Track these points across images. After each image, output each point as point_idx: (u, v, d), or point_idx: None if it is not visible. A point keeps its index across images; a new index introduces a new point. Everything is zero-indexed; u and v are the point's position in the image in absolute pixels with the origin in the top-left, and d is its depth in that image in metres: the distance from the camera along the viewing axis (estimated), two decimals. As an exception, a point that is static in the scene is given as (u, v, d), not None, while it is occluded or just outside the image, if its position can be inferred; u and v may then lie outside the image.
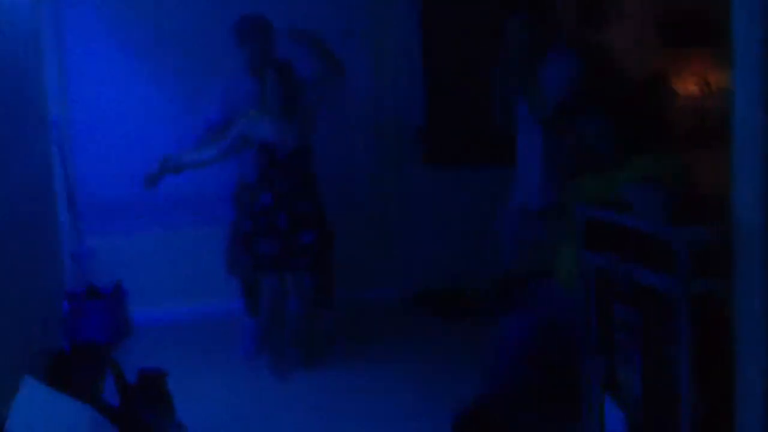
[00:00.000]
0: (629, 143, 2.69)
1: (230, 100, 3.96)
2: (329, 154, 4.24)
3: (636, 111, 2.75)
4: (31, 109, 3.69)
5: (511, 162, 3.53)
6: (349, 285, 4.46)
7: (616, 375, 2.36)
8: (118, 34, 4.44)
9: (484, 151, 4.65)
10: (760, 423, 1.82)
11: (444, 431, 2.89)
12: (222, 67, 4.20)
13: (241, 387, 3.60)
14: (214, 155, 3.80)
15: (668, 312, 2.08)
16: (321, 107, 3.92)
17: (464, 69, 4.76)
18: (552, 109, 3.22)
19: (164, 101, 4.52)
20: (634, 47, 2.96)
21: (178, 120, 4.39)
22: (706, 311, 2.01)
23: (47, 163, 4.10)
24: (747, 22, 1.84)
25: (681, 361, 2.03)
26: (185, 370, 3.59)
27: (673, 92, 2.69)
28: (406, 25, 4.89)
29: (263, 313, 3.94)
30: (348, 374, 3.75)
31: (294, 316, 3.93)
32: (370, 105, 4.83)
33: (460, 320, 4.49)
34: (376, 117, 4.87)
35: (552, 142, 3.28)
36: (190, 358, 3.94)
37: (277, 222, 3.67)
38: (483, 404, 2.88)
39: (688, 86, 2.60)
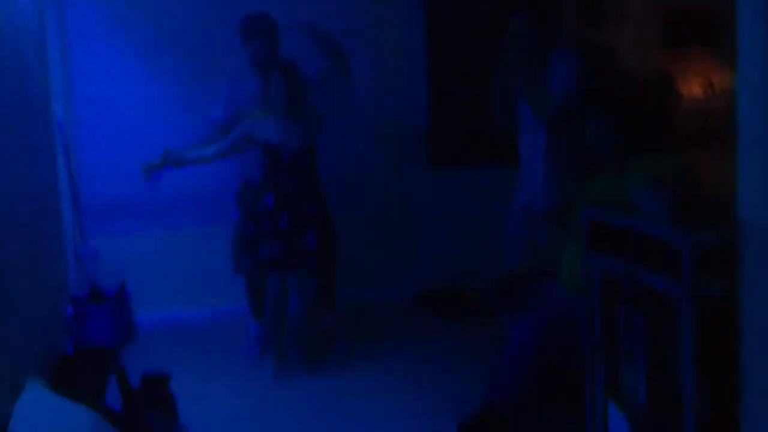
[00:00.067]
0: (632, 144, 2.67)
1: (235, 99, 3.96)
2: (331, 154, 4.23)
3: (639, 111, 2.73)
4: (36, 109, 3.68)
5: (514, 163, 3.52)
6: (352, 285, 4.46)
7: (620, 378, 2.34)
8: (122, 34, 4.43)
9: (487, 152, 4.64)
10: (766, 429, 1.80)
11: (448, 432, 2.88)
12: (226, 67, 4.20)
13: (244, 390, 3.60)
14: (216, 152, 3.78)
15: (673, 315, 2.06)
16: (329, 108, 3.90)
17: (468, 69, 4.74)
18: (556, 109, 3.20)
19: (169, 102, 4.51)
20: (636, 47, 2.94)
21: (183, 120, 4.39)
22: (712, 314, 1.99)
23: (52, 164, 4.10)
24: (752, 21, 1.81)
25: (685, 365, 2.01)
26: (189, 373, 3.60)
27: (676, 93, 2.68)
28: (409, 25, 4.88)
29: (267, 313, 3.94)
30: (350, 375, 3.75)
31: (295, 317, 3.93)
32: (372, 105, 4.82)
33: (462, 320, 4.49)
34: (378, 117, 4.86)
35: (555, 142, 3.27)
36: (194, 361, 3.94)
37: (280, 223, 3.66)
38: (488, 407, 2.87)
39: (691, 87, 2.58)
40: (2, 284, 2.54)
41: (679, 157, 2.61)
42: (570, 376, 2.63)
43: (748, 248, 1.86)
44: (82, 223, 4.43)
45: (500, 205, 3.68)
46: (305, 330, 3.91)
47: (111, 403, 2.96)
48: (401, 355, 4.02)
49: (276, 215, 3.66)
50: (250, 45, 3.90)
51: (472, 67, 4.61)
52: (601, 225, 2.40)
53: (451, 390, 3.46)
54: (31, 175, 3.38)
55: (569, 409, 2.71)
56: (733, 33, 1.85)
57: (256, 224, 3.73)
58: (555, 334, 2.75)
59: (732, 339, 1.89)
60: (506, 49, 3.33)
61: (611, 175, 2.71)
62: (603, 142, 2.73)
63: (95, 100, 4.43)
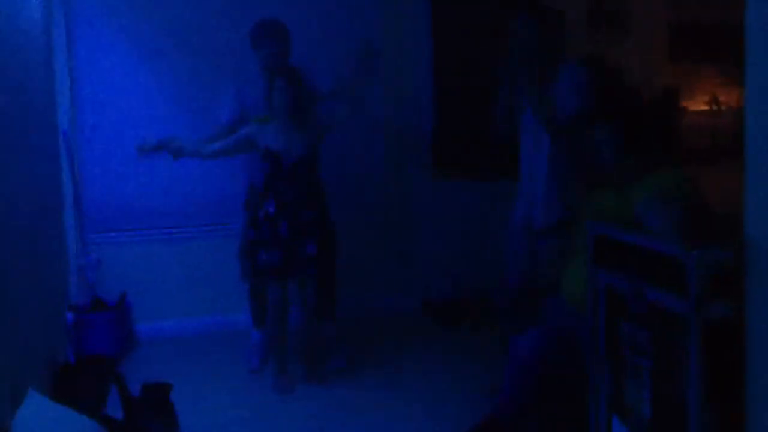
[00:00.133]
0: (638, 158, 2.67)
1: (242, 102, 3.97)
2: (336, 161, 4.23)
3: (645, 126, 2.73)
4: (41, 117, 3.69)
5: (516, 173, 3.50)
6: (354, 293, 4.46)
7: (625, 395, 2.33)
8: (127, 41, 4.43)
9: (493, 162, 4.62)
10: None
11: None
12: (231, 74, 4.21)
13: (245, 400, 3.58)
14: (215, 150, 3.76)
15: (678, 331, 2.05)
16: (340, 118, 3.89)
17: (475, 74, 4.74)
18: (563, 120, 3.19)
19: (174, 109, 4.50)
20: (643, 62, 2.94)
21: (188, 127, 4.38)
22: (718, 331, 1.98)
23: (56, 173, 4.10)
24: (761, 37, 1.81)
25: (691, 384, 2.00)
26: (189, 382, 3.59)
27: (682, 108, 2.67)
28: (416, 33, 4.89)
29: (267, 321, 3.93)
30: (351, 385, 3.73)
31: (296, 327, 3.92)
32: (379, 113, 4.81)
33: (465, 330, 4.48)
34: (384, 125, 4.86)
35: (559, 155, 3.25)
36: (195, 371, 3.93)
37: (279, 230, 3.65)
38: (491, 419, 2.86)
39: (698, 103, 2.58)
40: (3, 292, 2.53)
41: (684, 172, 2.60)
42: (574, 390, 2.62)
43: (754, 265, 1.86)
44: (84, 232, 4.42)
45: (501, 217, 3.65)
46: (306, 339, 3.89)
47: (111, 411, 2.95)
48: (403, 363, 4.01)
49: (276, 222, 3.66)
50: (260, 50, 3.92)
51: (479, 72, 4.60)
52: (606, 240, 2.39)
53: (453, 400, 3.45)
54: (35, 184, 3.38)
55: (573, 423, 2.70)
56: (741, 49, 1.86)
57: (257, 230, 3.73)
58: (559, 347, 2.74)
59: (738, 355, 1.88)
60: (508, 51, 3.34)
61: (614, 190, 2.70)
62: (606, 156, 2.72)
63: (99, 107, 4.43)
